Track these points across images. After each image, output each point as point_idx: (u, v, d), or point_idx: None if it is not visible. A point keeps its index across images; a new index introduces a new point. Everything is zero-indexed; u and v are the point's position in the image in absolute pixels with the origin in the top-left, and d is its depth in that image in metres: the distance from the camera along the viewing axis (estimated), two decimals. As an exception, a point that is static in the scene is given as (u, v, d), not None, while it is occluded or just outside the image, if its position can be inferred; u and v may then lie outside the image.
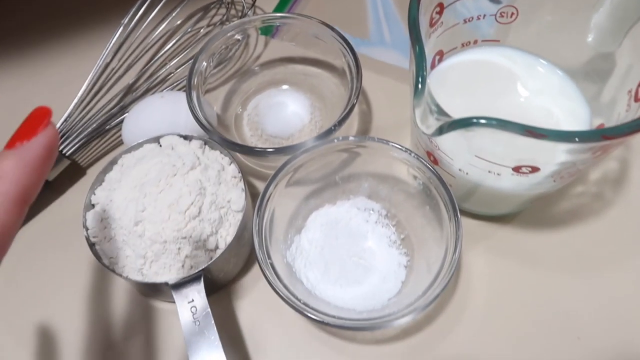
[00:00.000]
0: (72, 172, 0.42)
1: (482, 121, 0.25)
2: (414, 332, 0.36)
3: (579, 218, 0.39)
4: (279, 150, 0.36)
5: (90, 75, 0.41)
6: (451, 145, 0.31)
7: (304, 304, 0.31)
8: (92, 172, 0.43)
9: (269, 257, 0.32)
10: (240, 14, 0.48)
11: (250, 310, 0.37)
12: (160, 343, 0.36)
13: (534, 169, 0.29)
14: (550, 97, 0.37)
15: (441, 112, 0.27)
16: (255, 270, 0.38)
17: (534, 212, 0.39)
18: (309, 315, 0.30)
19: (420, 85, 0.27)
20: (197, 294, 0.32)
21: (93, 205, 0.35)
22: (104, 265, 0.33)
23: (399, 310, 0.31)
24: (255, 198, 0.34)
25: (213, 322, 0.31)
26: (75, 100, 0.40)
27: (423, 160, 0.34)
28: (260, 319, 0.36)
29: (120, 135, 0.43)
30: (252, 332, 0.36)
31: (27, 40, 0.50)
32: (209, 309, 0.31)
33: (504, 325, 0.35)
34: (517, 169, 0.29)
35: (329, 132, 0.36)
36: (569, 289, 0.36)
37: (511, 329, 0.35)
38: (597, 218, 0.39)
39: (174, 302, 0.36)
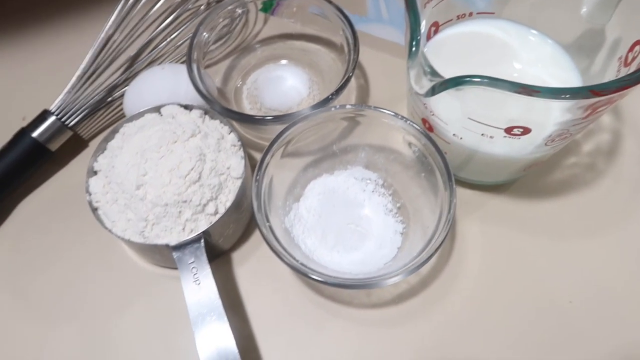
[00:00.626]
0: (75, 144, 0.43)
1: (475, 79, 0.26)
2: (409, 297, 0.36)
3: (571, 188, 0.40)
4: (277, 119, 0.37)
5: (92, 48, 0.41)
6: (445, 109, 0.32)
7: (302, 264, 0.32)
8: (94, 144, 0.43)
9: (268, 220, 0.33)
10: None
11: (249, 276, 0.38)
12: (162, 306, 0.36)
13: (526, 130, 0.29)
14: (543, 67, 0.37)
15: (434, 73, 0.28)
16: (254, 239, 0.39)
17: (528, 182, 0.40)
18: (307, 273, 0.31)
19: (414, 48, 0.28)
20: (198, 256, 0.33)
21: (95, 172, 0.36)
22: (106, 228, 0.34)
23: (394, 271, 0.32)
24: (254, 168, 0.34)
25: (214, 282, 0.32)
26: (78, 73, 0.41)
27: (419, 127, 0.34)
28: (259, 285, 0.37)
29: (122, 108, 0.44)
30: (251, 298, 0.37)
31: (32, 12, 0.51)
32: (210, 270, 0.32)
33: (497, 291, 0.36)
34: (509, 130, 0.30)
35: (326, 101, 0.36)
36: (561, 256, 0.37)
37: (504, 295, 0.36)
38: (589, 188, 0.40)
39: (175, 267, 0.37)
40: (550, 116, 0.29)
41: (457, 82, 0.26)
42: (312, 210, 0.38)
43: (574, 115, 0.28)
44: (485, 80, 0.26)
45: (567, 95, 0.26)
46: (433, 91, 0.27)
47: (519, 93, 0.26)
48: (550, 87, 0.26)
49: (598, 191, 0.40)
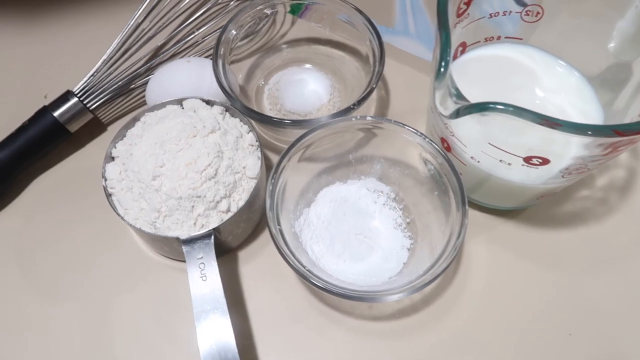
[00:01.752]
0: (94, 127, 0.43)
1: (499, 106, 0.26)
2: (410, 313, 0.37)
3: (581, 220, 0.40)
4: (295, 123, 0.37)
5: (120, 34, 0.42)
6: (466, 132, 0.32)
7: (308, 270, 0.32)
8: (113, 129, 0.44)
9: (279, 223, 0.34)
10: (270, -10, 0.49)
11: (254, 275, 0.38)
12: (165, 296, 0.37)
13: (545, 161, 0.30)
14: (566, 97, 0.37)
15: (460, 95, 0.28)
16: (262, 239, 0.39)
17: (539, 211, 0.40)
18: (311, 280, 0.31)
19: (442, 69, 0.28)
20: (206, 251, 0.33)
21: (113, 158, 0.36)
22: (119, 215, 0.34)
23: (398, 287, 0.32)
24: (270, 170, 0.35)
25: (220, 279, 0.32)
26: (104, 57, 0.41)
27: (436, 146, 0.34)
28: (262, 285, 0.37)
29: (143, 96, 0.44)
30: (254, 296, 0.37)
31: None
32: (217, 267, 0.33)
33: (497, 316, 0.36)
34: (528, 160, 0.30)
35: (347, 110, 0.37)
36: (565, 287, 0.37)
37: (504, 320, 0.36)
38: (599, 222, 0.40)
39: (182, 260, 0.37)
40: (570, 150, 0.29)
41: (482, 107, 0.27)
42: (322, 216, 0.38)
43: (595, 151, 0.28)
44: (510, 108, 0.26)
45: (590, 132, 0.26)
46: (457, 114, 0.27)
47: (542, 125, 0.26)
48: (573, 122, 0.26)
49: (608, 226, 0.40)
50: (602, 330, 0.36)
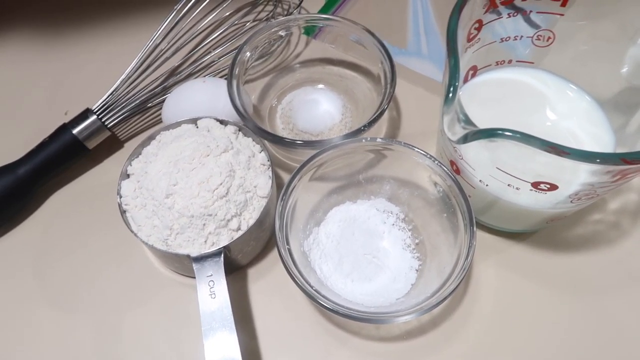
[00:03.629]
0: (111, 144, 0.44)
1: (507, 133, 0.27)
2: (418, 334, 0.37)
3: (592, 244, 0.40)
4: (307, 144, 0.38)
5: (139, 54, 0.43)
6: (474, 156, 0.33)
7: (316, 290, 0.32)
8: (129, 146, 0.45)
9: (288, 243, 0.34)
10: (286, 12, 0.50)
11: (263, 293, 0.38)
12: (174, 311, 0.37)
13: (553, 187, 0.30)
14: (577, 121, 0.37)
15: (468, 121, 0.28)
16: (271, 257, 0.40)
17: (549, 234, 0.40)
18: (319, 301, 0.31)
19: (451, 94, 0.28)
20: (216, 269, 0.33)
21: (128, 175, 0.37)
22: (132, 231, 0.35)
23: (406, 309, 0.32)
24: (280, 188, 0.35)
25: (228, 297, 0.33)
26: (123, 76, 0.42)
27: (446, 168, 0.35)
28: (271, 303, 0.38)
29: (159, 114, 0.45)
30: (262, 314, 0.37)
31: (86, 14, 0.53)
32: (226, 285, 0.33)
33: (506, 339, 0.36)
34: (536, 185, 0.30)
35: (358, 131, 0.37)
36: (574, 312, 0.37)
37: (512, 344, 0.36)
38: (610, 246, 0.39)
39: (192, 276, 0.38)
40: (579, 176, 0.29)
41: (490, 134, 0.27)
42: (332, 236, 0.39)
43: (603, 178, 0.28)
44: (518, 135, 0.26)
45: (598, 160, 0.26)
46: (465, 139, 0.28)
47: (549, 152, 0.26)
48: (580, 150, 0.26)
49: (619, 251, 0.39)
50: (612, 356, 0.35)
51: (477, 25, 0.35)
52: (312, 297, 0.32)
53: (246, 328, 0.37)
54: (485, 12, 0.34)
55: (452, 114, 0.28)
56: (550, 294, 0.38)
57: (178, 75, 0.44)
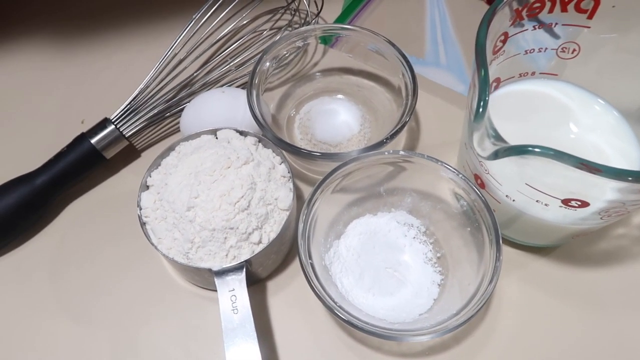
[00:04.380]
0: (128, 153, 0.44)
1: (538, 150, 0.26)
2: (440, 351, 0.36)
3: (617, 259, 0.39)
4: (326, 156, 0.37)
5: (157, 63, 0.43)
6: (502, 171, 0.32)
7: (339, 306, 0.32)
8: (146, 156, 0.45)
9: (310, 257, 0.34)
10: (303, 21, 0.49)
11: (283, 307, 0.38)
12: (194, 324, 0.37)
13: (583, 204, 0.29)
14: (602, 135, 0.37)
15: (498, 137, 0.28)
16: (291, 269, 0.39)
17: (572, 248, 0.39)
18: (341, 315, 0.31)
19: (481, 109, 0.28)
20: (238, 284, 0.33)
21: (148, 187, 0.37)
22: (152, 244, 0.34)
23: (429, 326, 0.32)
24: (299, 199, 0.35)
25: (251, 312, 0.32)
26: (142, 85, 0.42)
27: (470, 182, 0.34)
28: (290, 317, 0.37)
29: (176, 124, 0.45)
30: (282, 328, 0.37)
31: (102, 23, 0.53)
32: (248, 300, 0.33)
33: (529, 356, 0.36)
34: (566, 202, 0.29)
35: (380, 144, 0.37)
36: (600, 328, 0.36)
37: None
38: (635, 261, 0.39)
39: (211, 288, 0.37)
40: (610, 193, 0.28)
41: (521, 150, 0.26)
42: (352, 249, 0.38)
43: (635, 196, 0.28)
44: (551, 152, 0.26)
45: (630, 178, 0.25)
46: (496, 156, 0.27)
47: (581, 169, 0.26)
48: (613, 168, 0.25)
49: (644, 266, 0.39)
50: (640, 376, 0.35)
51: (502, 37, 0.34)
52: (333, 310, 0.31)
53: (266, 342, 0.36)
54: (511, 24, 0.34)
55: (482, 130, 0.28)
56: (573, 310, 0.37)
57: (195, 85, 0.44)
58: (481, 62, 0.29)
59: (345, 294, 0.36)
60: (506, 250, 0.39)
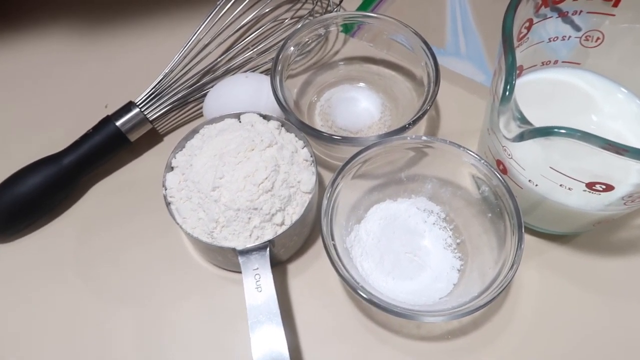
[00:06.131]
0: (151, 137, 0.45)
1: (563, 131, 0.26)
2: (459, 335, 0.36)
3: (637, 249, 0.39)
4: (347, 139, 0.38)
5: (181, 48, 0.43)
6: (526, 155, 0.32)
7: (361, 286, 0.32)
8: (168, 139, 0.45)
9: (333, 239, 0.34)
10: (324, 10, 0.50)
11: (303, 289, 0.38)
12: (218, 305, 0.38)
13: (608, 187, 0.29)
14: (624, 123, 0.37)
15: (524, 119, 0.28)
16: (311, 253, 0.40)
17: (593, 237, 0.39)
18: (362, 294, 0.31)
19: (508, 93, 0.28)
20: (262, 263, 0.33)
21: (172, 168, 0.37)
22: (177, 223, 0.35)
23: (449, 309, 0.32)
24: (320, 185, 0.35)
25: (274, 291, 0.33)
26: (166, 70, 0.43)
27: (492, 168, 0.35)
28: (311, 298, 0.38)
29: (199, 108, 0.46)
30: (303, 309, 0.37)
31: (126, 8, 0.54)
32: (272, 278, 0.33)
33: (548, 343, 0.36)
34: (590, 186, 0.30)
35: (401, 130, 0.37)
36: (619, 318, 0.37)
37: (555, 347, 0.36)
38: (656, 251, 0.39)
39: (233, 270, 0.38)
40: (635, 176, 0.28)
41: (547, 132, 0.27)
42: (372, 233, 0.39)
43: (661, 179, 0.28)
44: (578, 133, 0.26)
45: (657, 158, 0.26)
46: (522, 137, 0.28)
47: (607, 150, 0.26)
48: (638, 149, 0.26)
49: (664, 256, 0.39)
50: (659, 364, 0.35)
51: (527, 24, 0.34)
52: (356, 289, 0.31)
53: (287, 324, 0.36)
54: (537, 11, 0.34)
55: (508, 113, 0.28)
56: (593, 298, 0.37)
57: (219, 70, 0.44)
58: (509, 47, 0.30)
59: (365, 277, 0.37)
60: (526, 237, 0.39)
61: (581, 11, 0.35)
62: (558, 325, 0.36)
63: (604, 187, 0.29)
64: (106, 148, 0.41)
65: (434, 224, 0.39)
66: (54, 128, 0.46)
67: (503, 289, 0.31)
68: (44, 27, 0.53)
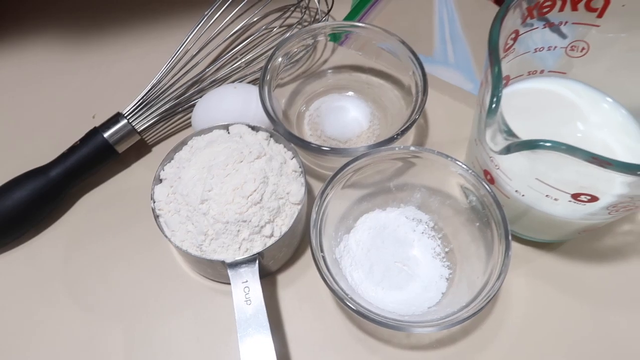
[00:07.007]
0: (139, 148, 0.44)
1: (549, 144, 0.27)
2: (448, 343, 0.36)
3: (622, 255, 0.39)
4: (336, 150, 0.38)
5: (170, 58, 0.43)
6: (512, 166, 0.33)
7: (350, 297, 0.32)
8: (157, 151, 0.45)
9: (322, 250, 0.34)
10: (313, 19, 0.50)
11: (293, 299, 0.38)
12: (207, 317, 0.37)
13: (593, 198, 0.30)
14: (610, 132, 0.37)
15: (510, 132, 0.28)
16: (301, 263, 0.40)
17: (579, 244, 0.40)
18: (351, 305, 0.31)
19: (494, 105, 0.28)
20: (251, 275, 0.33)
21: (161, 180, 0.37)
22: (166, 236, 0.35)
23: (438, 318, 0.32)
24: (309, 195, 0.35)
25: (264, 303, 0.33)
26: (154, 81, 0.42)
27: (480, 178, 0.35)
28: (301, 309, 0.38)
29: (187, 119, 0.46)
30: (292, 320, 0.37)
31: (112, 18, 0.54)
32: (261, 291, 0.33)
33: (536, 349, 0.36)
34: (576, 196, 0.30)
35: (390, 140, 0.37)
36: (604, 324, 0.37)
37: (543, 355, 0.36)
38: (641, 258, 0.39)
39: (222, 281, 0.38)
40: (619, 188, 0.29)
41: (533, 145, 0.27)
42: (362, 243, 0.39)
43: (644, 190, 0.28)
44: (563, 146, 0.26)
45: (639, 172, 0.26)
46: (508, 150, 0.28)
47: (592, 163, 0.26)
48: (623, 162, 0.26)
49: (650, 262, 0.39)
50: (645, 370, 0.35)
51: (513, 35, 0.35)
52: (344, 301, 0.32)
53: (276, 334, 0.37)
54: (522, 22, 0.34)
55: (494, 126, 0.28)
56: (579, 305, 0.38)
57: (205, 82, 0.44)
58: (494, 59, 0.30)
59: (355, 287, 0.37)
60: (513, 245, 0.39)
61: (567, 22, 0.36)
62: (546, 332, 0.37)
63: (588, 197, 0.30)
64: (94, 160, 0.41)
65: (422, 233, 0.40)
66: (41, 139, 0.45)
67: (491, 298, 0.32)
68: (30, 37, 0.53)
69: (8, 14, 0.54)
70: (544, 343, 0.36)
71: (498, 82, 0.29)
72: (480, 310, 0.31)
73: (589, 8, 0.34)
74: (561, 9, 0.34)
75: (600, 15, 0.35)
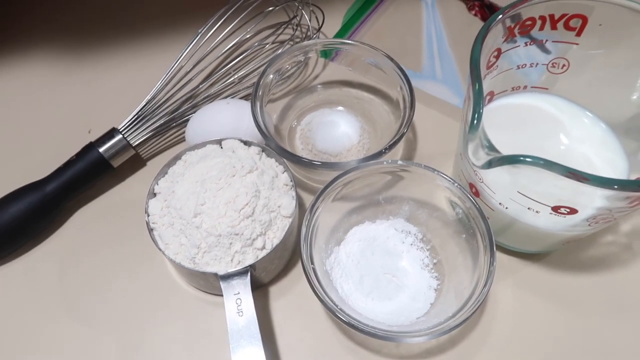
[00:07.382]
0: (134, 162, 0.45)
1: (529, 159, 0.28)
2: (437, 353, 0.37)
3: (606, 265, 0.41)
4: (326, 165, 0.39)
5: (164, 75, 0.44)
6: (495, 179, 0.34)
7: (340, 309, 0.33)
8: (151, 165, 0.46)
9: (312, 262, 0.35)
10: (304, 36, 0.51)
11: (285, 311, 0.39)
12: (200, 328, 0.38)
13: (572, 211, 0.31)
14: (591, 146, 0.39)
15: (492, 147, 0.29)
16: (292, 275, 0.41)
17: (563, 255, 0.41)
18: (341, 317, 0.32)
19: (475, 121, 0.29)
20: (243, 287, 0.34)
21: (155, 194, 0.38)
22: (160, 249, 0.36)
23: (426, 328, 0.33)
24: (300, 207, 0.36)
25: (255, 315, 0.33)
26: (148, 97, 0.43)
27: (465, 191, 0.36)
28: (292, 321, 0.39)
29: (181, 134, 0.47)
30: (284, 332, 0.38)
31: (108, 34, 0.55)
32: (253, 303, 0.34)
33: (522, 359, 0.37)
34: (556, 209, 0.31)
35: (379, 154, 0.38)
36: (588, 332, 0.38)
37: (530, 363, 0.37)
38: (623, 267, 0.40)
39: (215, 293, 0.38)
40: (598, 201, 0.30)
41: (514, 160, 0.28)
42: (352, 255, 0.40)
43: (621, 203, 0.29)
44: (541, 161, 0.27)
45: (616, 187, 0.27)
46: (490, 165, 0.29)
47: (570, 178, 0.27)
48: (599, 177, 0.27)
49: (632, 272, 0.40)
50: (628, 378, 0.36)
51: (496, 53, 0.36)
52: (334, 312, 0.32)
53: (269, 346, 0.37)
54: (504, 41, 0.36)
55: (476, 141, 0.30)
56: (565, 314, 0.39)
57: (201, 96, 0.45)
58: (476, 76, 0.31)
59: (345, 298, 0.37)
60: (500, 256, 0.41)
61: (547, 40, 0.37)
62: (532, 341, 0.38)
63: (568, 210, 0.31)
64: (90, 174, 0.42)
65: (411, 244, 0.40)
66: (38, 154, 0.46)
67: (478, 307, 0.33)
68: (27, 53, 0.54)
69: (4, 30, 0.55)
70: (530, 352, 0.37)
71: (479, 98, 0.30)
72: (467, 319, 0.32)
73: (567, 27, 0.36)
74: (541, 28, 0.36)
75: (578, 34, 0.36)
